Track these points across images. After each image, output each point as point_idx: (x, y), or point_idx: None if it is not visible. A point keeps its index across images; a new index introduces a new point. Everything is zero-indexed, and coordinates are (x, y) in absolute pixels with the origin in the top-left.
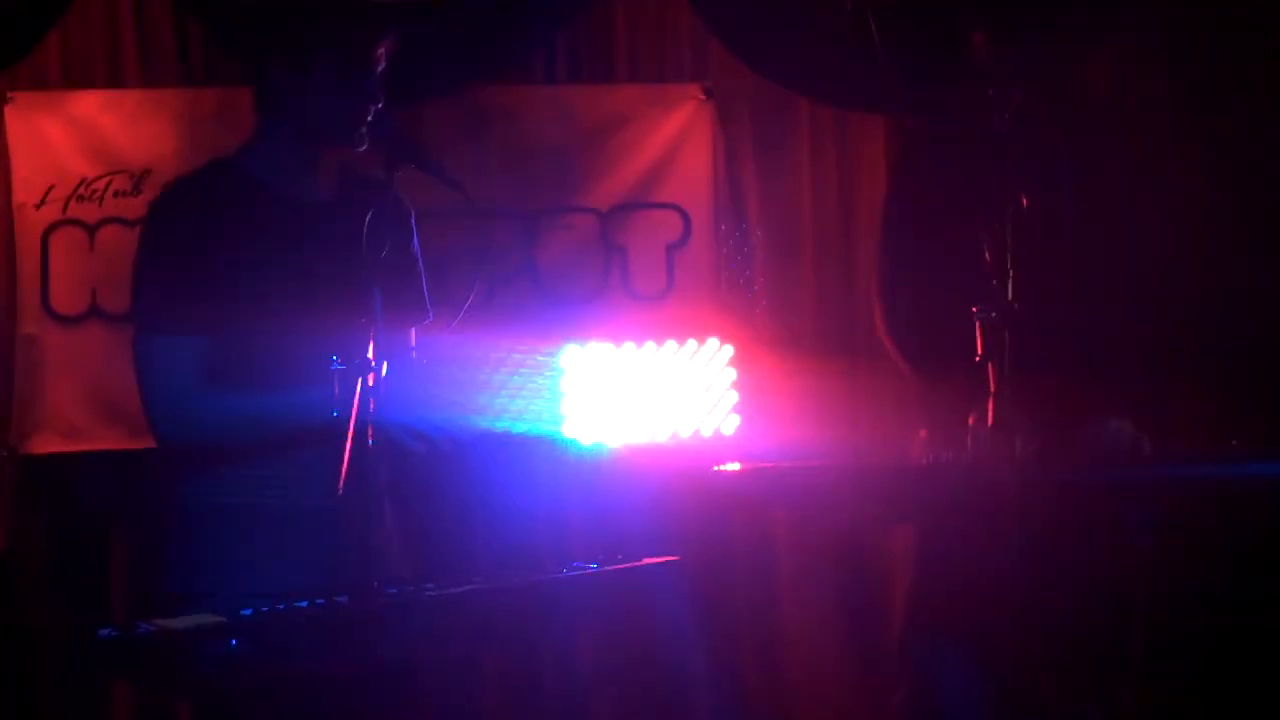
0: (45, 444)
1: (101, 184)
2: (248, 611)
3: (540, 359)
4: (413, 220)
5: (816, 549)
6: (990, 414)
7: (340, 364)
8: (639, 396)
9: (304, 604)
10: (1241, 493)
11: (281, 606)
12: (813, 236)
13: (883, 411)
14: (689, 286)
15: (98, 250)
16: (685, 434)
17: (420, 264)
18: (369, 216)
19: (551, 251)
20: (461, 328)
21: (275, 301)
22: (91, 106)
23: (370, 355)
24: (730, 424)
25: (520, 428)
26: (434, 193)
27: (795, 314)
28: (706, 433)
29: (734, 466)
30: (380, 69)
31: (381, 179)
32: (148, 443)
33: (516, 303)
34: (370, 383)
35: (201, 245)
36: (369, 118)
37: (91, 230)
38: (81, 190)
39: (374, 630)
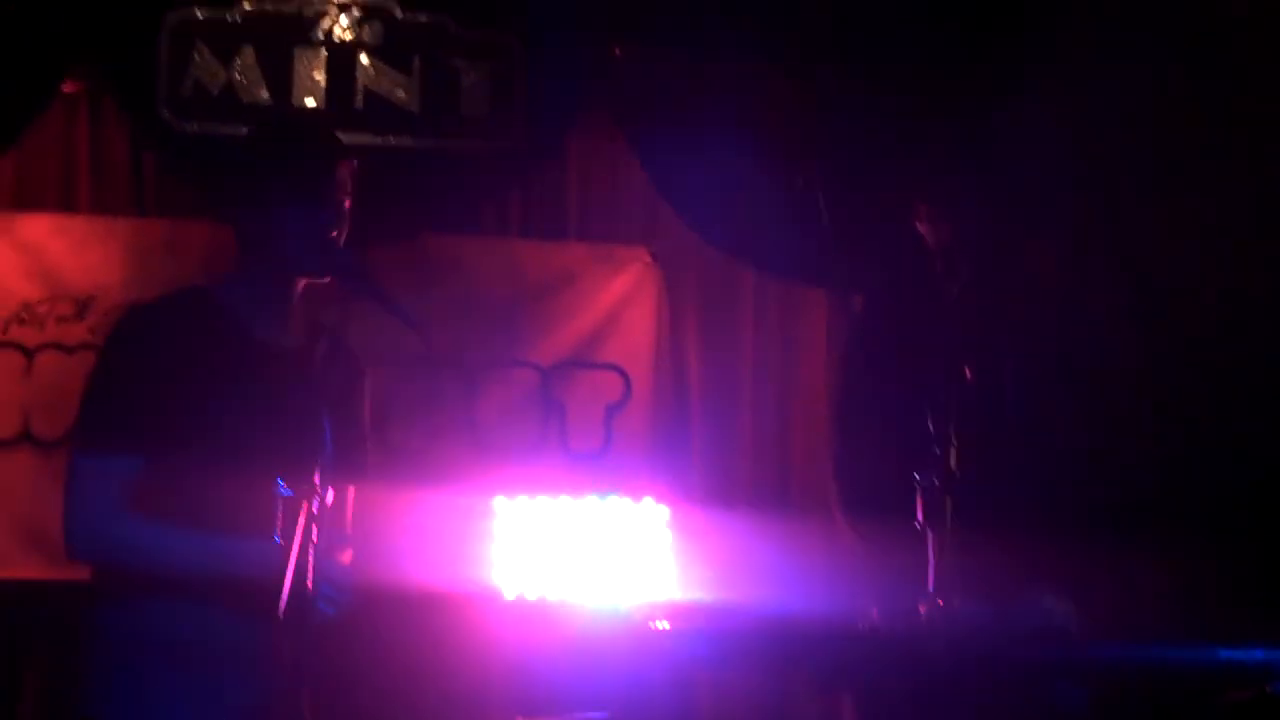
0: None
1: (44, 308)
2: None
3: (475, 511)
4: (365, 384)
5: (746, 711)
6: (931, 581)
7: (286, 489)
8: (572, 551)
9: None
10: (1172, 677)
11: None
12: (751, 401)
13: (817, 574)
14: (626, 446)
15: (34, 375)
16: (619, 590)
17: (365, 424)
18: (322, 348)
19: (491, 404)
20: (398, 477)
21: (224, 441)
22: (40, 230)
23: (316, 481)
24: (663, 582)
25: (450, 581)
26: (379, 339)
27: (731, 475)
28: (640, 590)
29: (664, 624)
30: (344, 197)
31: (338, 330)
32: (70, 572)
33: (454, 454)
34: (315, 509)
35: (157, 372)
36: (333, 248)
37: (30, 354)
38: (23, 313)
39: None
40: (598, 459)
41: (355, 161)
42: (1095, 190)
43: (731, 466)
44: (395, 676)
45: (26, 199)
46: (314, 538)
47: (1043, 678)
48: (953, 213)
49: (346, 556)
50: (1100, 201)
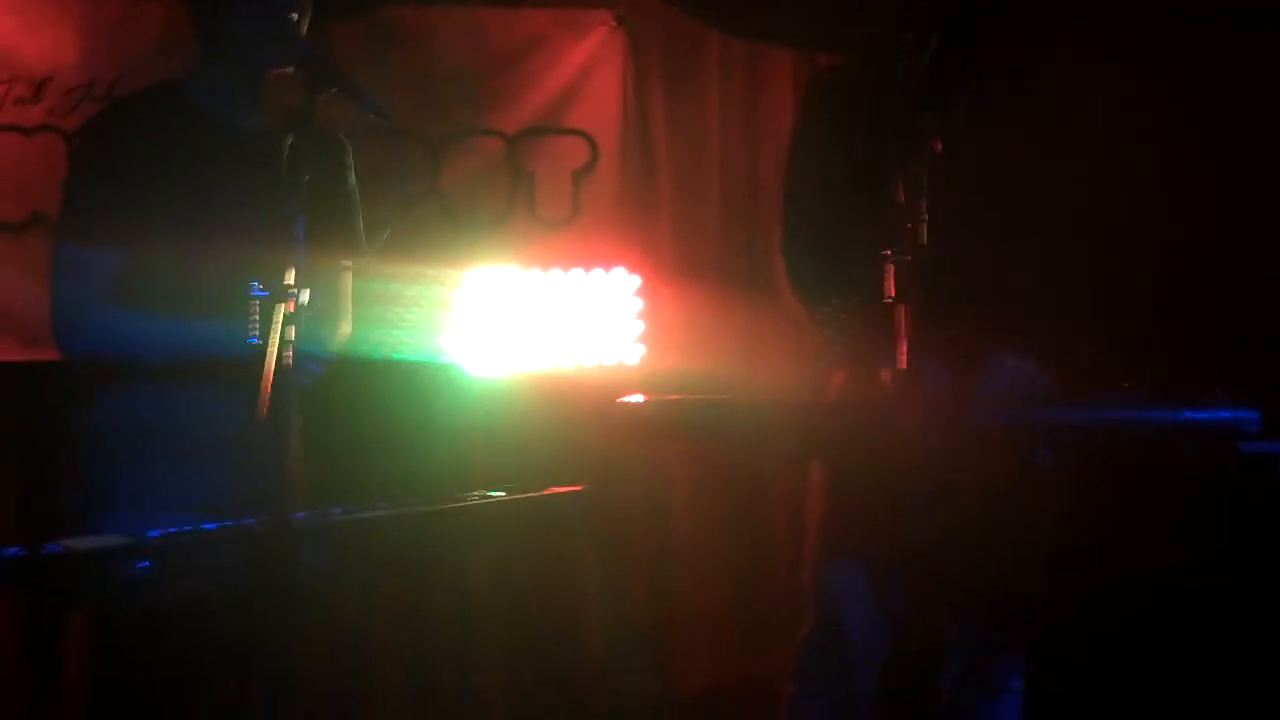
0: None
1: (0, 90)
2: (155, 533)
3: (446, 283)
4: (349, 156)
5: (720, 482)
6: (903, 357)
7: (261, 290)
8: (544, 324)
9: (212, 527)
10: (1141, 435)
11: (189, 529)
12: (719, 168)
13: (785, 345)
14: (595, 213)
15: None
16: (589, 363)
17: (356, 198)
18: (290, 143)
19: (458, 175)
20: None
21: (202, 227)
22: None
23: (291, 282)
24: (635, 354)
25: (422, 354)
26: (344, 114)
27: (700, 244)
28: (610, 362)
29: (638, 397)
30: None
31: (309, 107)
32: (41, 354)
33: (422, 226)
34: (291, 309)
35: (133, 164)
36: (292, 35)
37: None
38: None
39: (281, 554)
40: (568, 226)
41: None
42: None
43: (701, 233)
44: (371, 450)
45: None
46: (290, 337)
47: (1012, 439)
48: None
49: (346, 328)
50: None
